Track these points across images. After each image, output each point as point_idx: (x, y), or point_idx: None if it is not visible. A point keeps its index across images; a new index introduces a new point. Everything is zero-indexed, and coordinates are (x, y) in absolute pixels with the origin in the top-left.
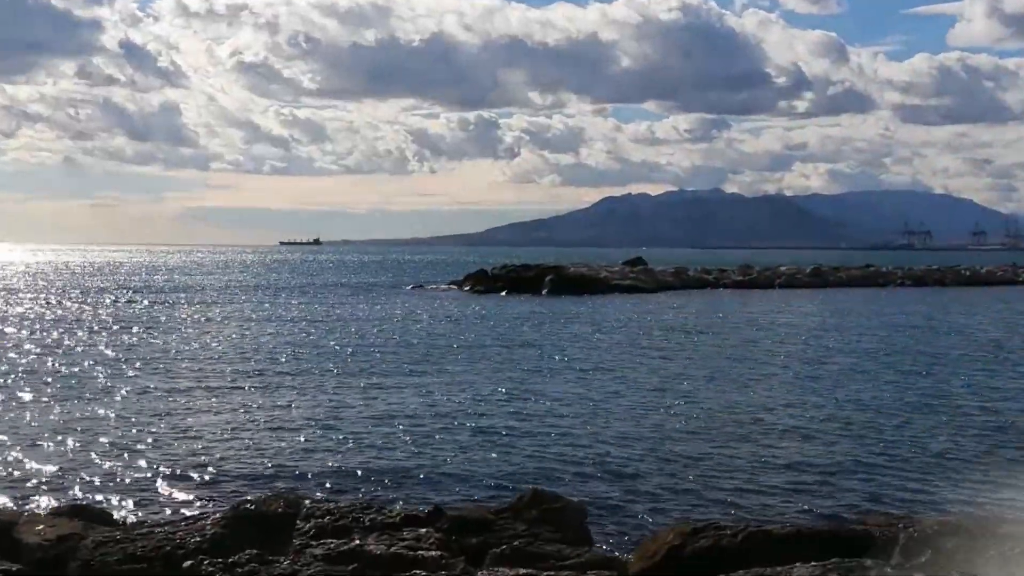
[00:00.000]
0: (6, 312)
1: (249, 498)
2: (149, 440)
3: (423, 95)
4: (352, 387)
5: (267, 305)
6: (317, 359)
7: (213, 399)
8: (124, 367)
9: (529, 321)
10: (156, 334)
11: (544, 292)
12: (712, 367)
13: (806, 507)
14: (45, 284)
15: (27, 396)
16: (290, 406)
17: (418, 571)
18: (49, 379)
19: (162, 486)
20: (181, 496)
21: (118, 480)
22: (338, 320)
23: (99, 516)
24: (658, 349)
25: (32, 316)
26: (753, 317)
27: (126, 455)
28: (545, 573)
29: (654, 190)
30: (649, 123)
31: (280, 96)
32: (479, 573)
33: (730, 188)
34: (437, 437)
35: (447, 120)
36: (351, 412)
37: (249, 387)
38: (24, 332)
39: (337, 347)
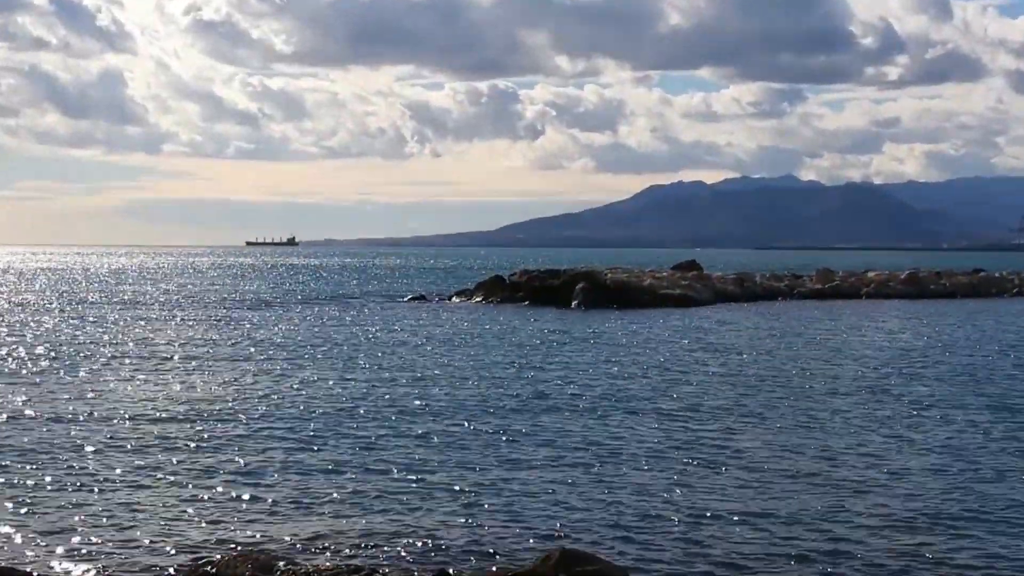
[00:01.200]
0: None
1: (211, 558)
2: (93, 493)
3: (424, 61)
4: (331, 427)
5: (223, 325)
6: (288, 397)
7: (156, 446)
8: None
9: (555, 342)
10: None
11: (575, 304)
12: (779, 399)
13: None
14: None
15: None
16: (257, 451)
17: None
18: None
19: (107, 543)
20: (130, 558)
21: (53, 538)
22: (313, 345)
23: None
24: (712, 377)
25: None
26: (832, 336)
27: (62, 512)
28: None
29: (711, 177)
30: (704, 95)
31: (247, 62)
32: None
33: (805, 175)
34: (441, 487)
35: (453, 91)
36: (333, 457)
37: (198, 436)
38: None
39: (316, 380)
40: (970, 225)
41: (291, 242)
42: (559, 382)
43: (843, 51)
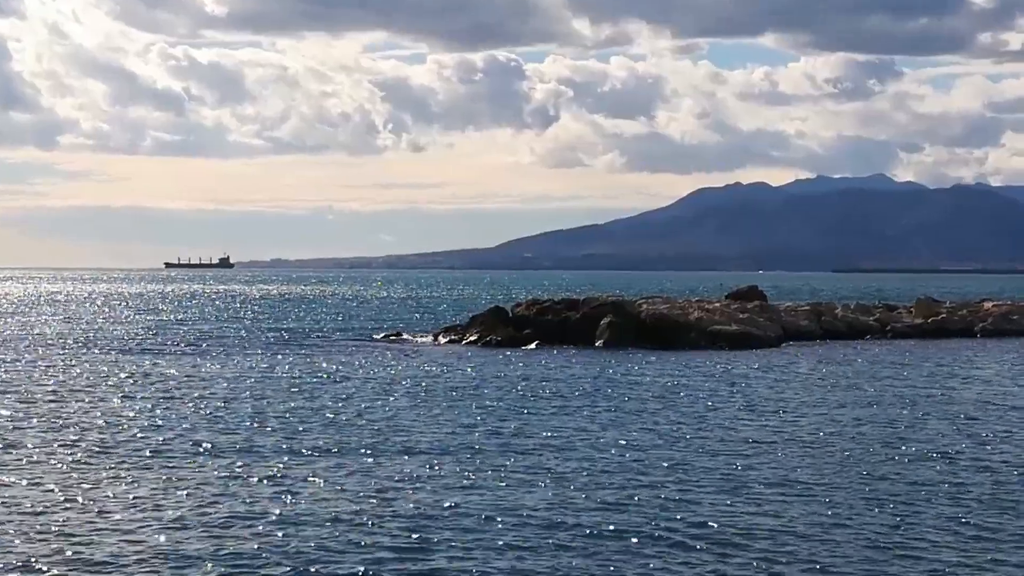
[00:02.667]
0: None
1: None
2: None
3: (400, 26)
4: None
5: (130, 377)
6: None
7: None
8: None
9: (573, 397)
10: None
11: (600, 344)
12: (865, 501)
13: None
14: None
15: None
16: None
17: None
18: None
19: None
20: None
21: None
22: (231, 424)
23: None
24: (777, 455)
25: None
26: (936, 390)
27: None
28: None
29: (778, 177)
30: (768, 69)
31: (169, 29)
32: None
33: (901, 174)
34: None
35: (439, 66)
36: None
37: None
38: None
39: (253, 455)
40: None
41: (225, 263)
42: (579, 451)
43: (951, 12)
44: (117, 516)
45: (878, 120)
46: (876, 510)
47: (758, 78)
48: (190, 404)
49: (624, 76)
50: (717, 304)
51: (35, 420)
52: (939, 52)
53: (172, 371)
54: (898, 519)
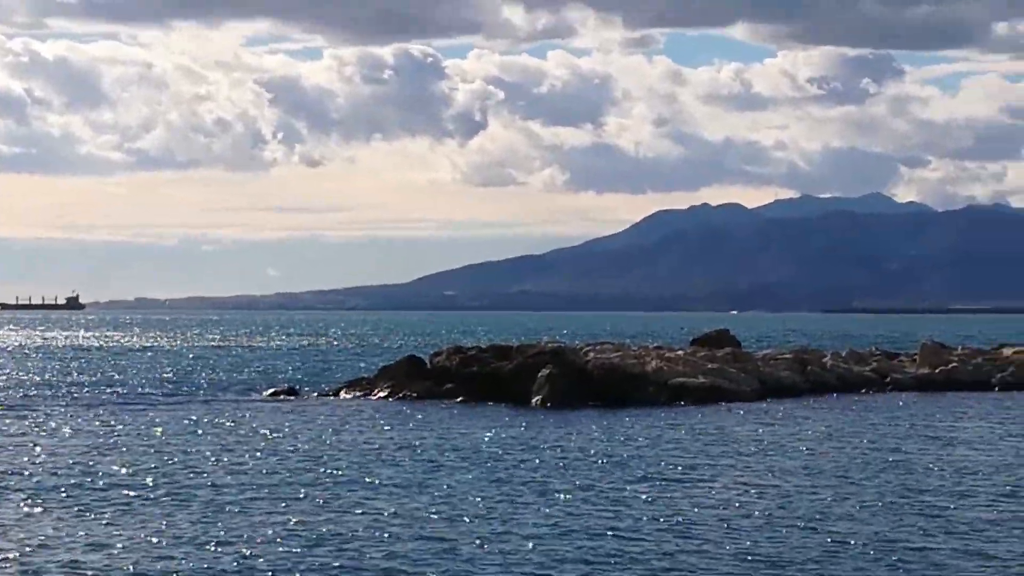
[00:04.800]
0: None
1: None
2: None
3: (289, 14)
4: None
5: None
6: None
7: None
8: None
9: (496, 469)
10: None
11: (537, 401)
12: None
13: None
14: None
15: None
16: None
17: None
18: None
19: None
20: None
21: None
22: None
23: None
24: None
25: None
26: (952, 457)
27: None
28: None
29: (753, 198)
30: (739, 66)
31: (6, 16)
32: None
33: (903, 194)
34: None
35: (338, 62)
36: None
37: None
38: None
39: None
40: None
41: (73, 304)
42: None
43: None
44: None
45: (874, 128)
46: None
47: (727, 77)
48: None
49: (565, 75)
50: (680, 352)
51: None
52: (947, 46)
53: (46, 428)
54: None
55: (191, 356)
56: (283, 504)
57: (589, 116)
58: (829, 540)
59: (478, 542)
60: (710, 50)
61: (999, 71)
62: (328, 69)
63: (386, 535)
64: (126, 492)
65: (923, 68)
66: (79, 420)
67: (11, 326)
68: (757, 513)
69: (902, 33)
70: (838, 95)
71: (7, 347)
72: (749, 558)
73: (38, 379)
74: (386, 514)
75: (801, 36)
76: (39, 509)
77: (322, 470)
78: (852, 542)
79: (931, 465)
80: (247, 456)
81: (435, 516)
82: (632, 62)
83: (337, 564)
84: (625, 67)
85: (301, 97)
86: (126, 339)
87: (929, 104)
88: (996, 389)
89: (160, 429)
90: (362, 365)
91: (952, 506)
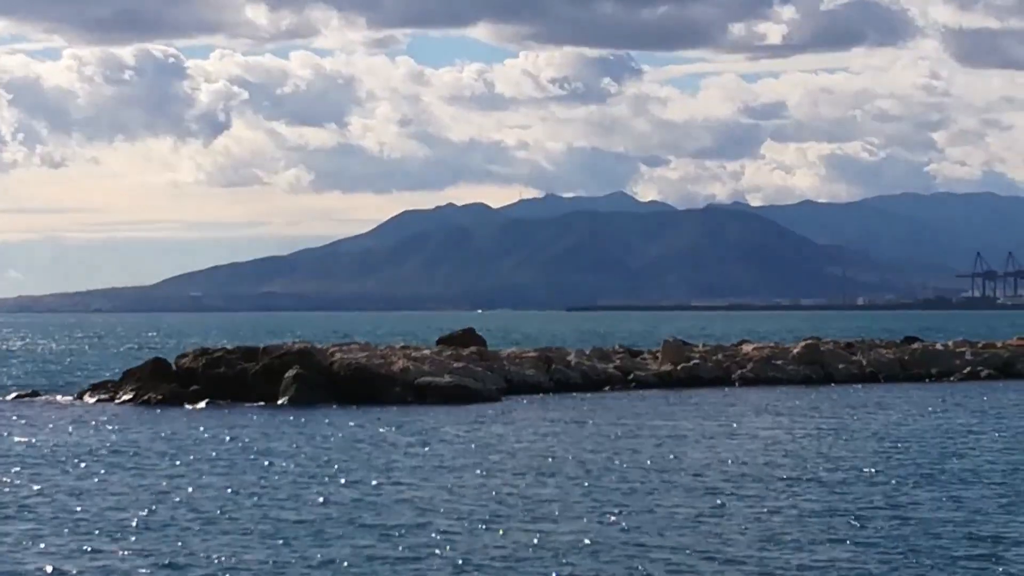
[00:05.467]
0: None
1: None
2: None
3: (26, 13)
4: None
5: None
6: None
7: None
8: None
9: (227, 467)
10: None
11: (283, 401)
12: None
13: None
14: None
15: None
16: None
17: None
18: None
19: None
20: None
21: None
22: None
23: None
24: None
25: None
26: (688, 455)
27: None
28: None
29: (497, 198)
30: (481, 67)
31: None
32: None
33: (644, 192)
34: None
35: (78, 62)
36: None
37: None
38: None
39: None
40: (900, 269)
41: None
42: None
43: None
44: None
45: (615, 128)
46: None
47: (470, 77)
48: None
49: (309, 75)
50: (426, 351)
51: None
52: (684, 47)
53: None
54: None
55: None
56: None
57: (333, 116)
58: (534, 539)
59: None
60: (452, 51)
61: (736, 71)
62: (68, 69)
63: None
64: None
65: (662, 68)
66: None
67: None
68: (472, 513)
69: (640, 34)
70: (579, 95)
71: None
72: (443, 554)
73: None
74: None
75: (542, 37)
76: None
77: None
78: (556, 540)
79: (648, 462)
80: None
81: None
82: (375, 62)
83: None
84: (368, 67)
85: (41, 98)
86: None
87: (668, 104)
88: (736, 384)
89: None
90: (108, 368)
91: (659, 502)
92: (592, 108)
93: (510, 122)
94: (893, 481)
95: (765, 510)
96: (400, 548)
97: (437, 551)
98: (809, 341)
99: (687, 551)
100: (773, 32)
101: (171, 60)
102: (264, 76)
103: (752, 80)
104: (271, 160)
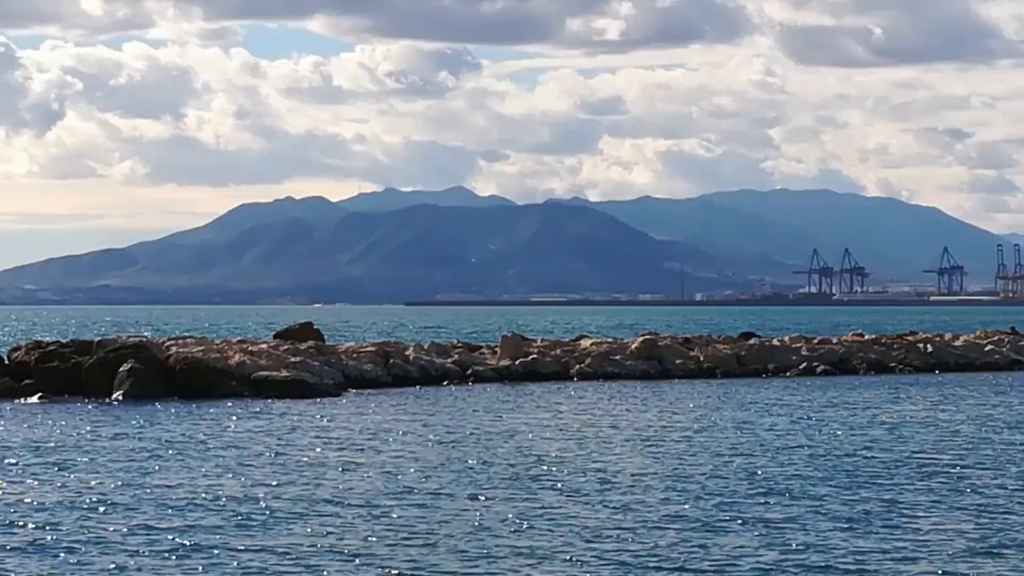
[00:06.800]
0: None
1: None
2: None
3: None
4: None
5: None
6: None
7: None
8: None
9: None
10: None
11: (119, 396)
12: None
13: None
14: None
15: None
16: None
17: None
18: None
19: None
20: None
21: None
22: None
23: None
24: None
25: None
26: (525, 452)
27: None
28: None
29: (336, 191)
30: (317, 59)
31: None
32: None
33: (483, 187)
34: None
35: None
36: None
37: None
38: None
39: None
40: (738, 265)
41: None
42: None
43: None
44: None
45: (453, 122)
46: None
47: (306, 70)
48: None
49: (143, 67)
50: (264, 345)
51: None
52: (522, 41)
53: None
54: None
55: None
56: None
57: (168, 108)
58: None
59: None
60: (289, 43)
61: (573, 66)
62: None
63: None
64: None
65: (500, 63)
66: None
67: None
68: (277, 502)
69: (478, 28)
70: (417, 89)
71: None
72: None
73: None
74: None
75: (379, 30)
76: None
77: None
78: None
79: (473, 458)
80: None
81: None
82: (210, 54)
83: None
84: (203, 59)
85: None
86: None
87: (506, 99)
88: (575, 379)
89: None
90: None
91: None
92: (430, 102)
93: (348, 115)
94: (709, 475)
95: (586, 504)
96: (189, 543)
97: (235, 544)
98: (647, 336)
99: (502, 547)
100: (611, 27)
101: (2, 50)
102: (97, 67)
103: (590, 75)
104: (105, 152)
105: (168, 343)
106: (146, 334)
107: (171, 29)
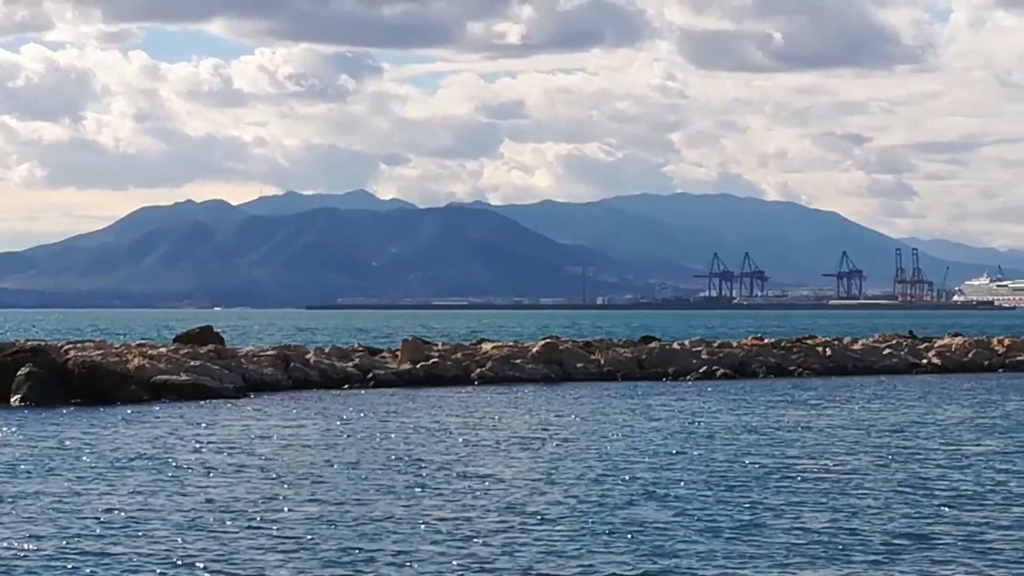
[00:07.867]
0: None
1: None
2: None
3: None
4: None
5: None
6: None
7: None
8: None
9: None
10: None
11: (17, 400)
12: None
13: None
14: None
15: None
16: None
17: None
18: None
19: None
20: None
21: None
22: None
23: None
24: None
25: None
26: (387, 457)
27: None
28: None
29: (238, 195)
30: (217, 62)
31: None
32: None
33: (384, 191)
34: None
35: None
36: None
37: None
38: None
39: None
40: (639, 269)
41: None
42: None
43: None
44: None
45: (354, 126)
46: None
47: (206, 73)
48: None
49: (41, 69)
50: (163, 349)
51: None
52: (423, 45)
53: None
54: None
55: None
56: None
57: (67, 111)
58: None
59: None
60: (188, 46)
61: (474, 70)
62: None
63: None
64: None
65: (401, 67)
66: None
67: None
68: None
69: (379, 31)
70: (318, 92)
71: None
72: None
73: None
74: None
75: (280, 32)
76: None
77: None
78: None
79: (372, 463)
80: None
81: None
82: (108, 57)
83: None
84: (102, 62)
85: None
86: None
87: (408, 103)
88: (476, 383)
89: None
90: None
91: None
92: (331, 106)
93: (248, 119)
94: (582, 479)
95: (460, 507)
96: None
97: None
98: (548, 340)
99: (377, 550)
100: (512, 32)
101: None
102: None
103: (491, 79)
104: (3, 154)
105: (66, 347)
106: (44, 338)
107: (70, 31)
